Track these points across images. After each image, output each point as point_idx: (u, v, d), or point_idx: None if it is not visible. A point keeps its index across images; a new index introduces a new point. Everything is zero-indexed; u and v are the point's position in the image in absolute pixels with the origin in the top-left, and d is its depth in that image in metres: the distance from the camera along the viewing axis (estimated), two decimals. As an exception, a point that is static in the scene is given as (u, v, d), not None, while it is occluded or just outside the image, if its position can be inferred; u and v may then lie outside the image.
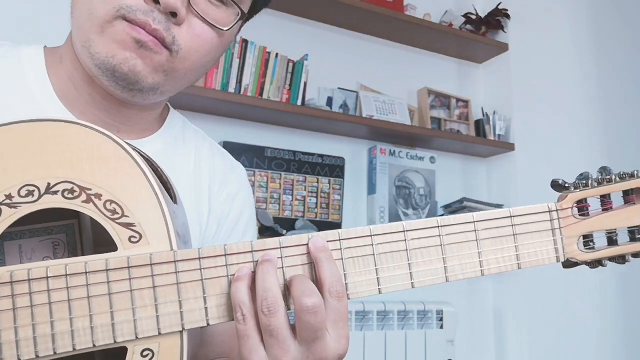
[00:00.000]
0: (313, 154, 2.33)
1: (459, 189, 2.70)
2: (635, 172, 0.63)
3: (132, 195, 0.50)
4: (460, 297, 2.57)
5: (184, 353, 0.51)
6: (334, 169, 2.36)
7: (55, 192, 0.50)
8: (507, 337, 2.58)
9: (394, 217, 2.42)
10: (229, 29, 0.69)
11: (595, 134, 2.86)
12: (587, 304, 2.66)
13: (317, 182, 2.32)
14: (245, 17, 0.72)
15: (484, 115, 2.69)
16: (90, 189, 0.50)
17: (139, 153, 0.52)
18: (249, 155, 2.18)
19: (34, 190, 0.49)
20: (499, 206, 2.58)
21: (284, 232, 2.15)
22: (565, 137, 2.76)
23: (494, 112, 2.69)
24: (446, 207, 2.59)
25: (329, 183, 2.35)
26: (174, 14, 0.63)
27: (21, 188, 0.49)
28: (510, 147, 2.63)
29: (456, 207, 2.55)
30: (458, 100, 2.74)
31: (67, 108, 0.70)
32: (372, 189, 2.45)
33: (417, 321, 2.30)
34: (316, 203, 2.31)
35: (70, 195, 0.50)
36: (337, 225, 2.32)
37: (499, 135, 2.65)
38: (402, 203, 2.46)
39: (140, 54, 0.63)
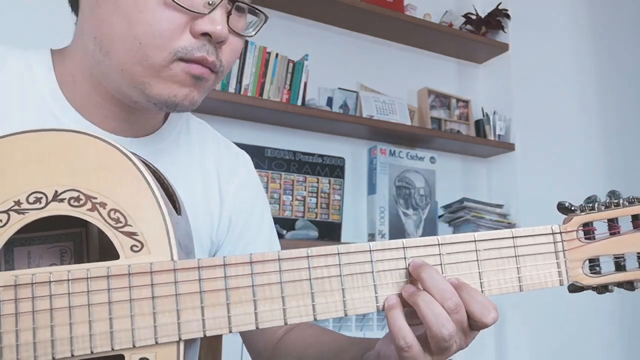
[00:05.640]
0: (313, 154, 2.33)
1: (459, 189, 2.70)
2: None
3: (136, 205, 0.51)
4: (460, 297, 2.56)
5: None
6: (334, 169, 2.36)
7: (62, 200, 0.51)
8: (507, 337, 2.58)
9: (394, 217, 2.42)
10: (256, 33, 0.72)
11: (595, 133, 2.86)
12: (587, 303, 2.66)
13: (317, 182, 2.32)
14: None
15: (484, 115, 2.69)
16: (95, 198, 0.51)
17: (144, 163, 0.53)
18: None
19: (41, 197, 0.51)
20: (499, 206, 2.59)
21: (284, 232, 2.15)
22: (565, 137, 2.76)
23: (494, 112, 2.69)
24: (446, 207, 2.59)
25: (329, 183, 2.35)
26: (221, 42, 0.66)
27: (29, 195, 0.51)
28: (510, 147, 2.64)
29: (456, 207, 2.55)
30: (458, 100, 2.74)
31: (79, 113, 0.71)
32: (372, 189, 2.45)
33: (417, 321, 2.30)
34: (316, 203, 2.31)
35: (76, 203, 0.51)
36: (337, 225, 2.32)
37: (499, 135, 2.65)
38: (402, 203, 2.46)
39: (197, 86, 0.67)
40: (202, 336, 0.52)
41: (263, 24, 0.72)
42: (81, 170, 0.52)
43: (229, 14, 0.65)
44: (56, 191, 0.51)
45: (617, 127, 2.90)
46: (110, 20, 0.63)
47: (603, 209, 0.61)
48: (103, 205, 0.51)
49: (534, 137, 2.68)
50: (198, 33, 0.63)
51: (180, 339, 0.51)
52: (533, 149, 2.66)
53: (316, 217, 2.30)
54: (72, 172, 0.51)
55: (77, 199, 0.51)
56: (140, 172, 0.52)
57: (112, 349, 0.50)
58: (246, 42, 2.14)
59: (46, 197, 0.51)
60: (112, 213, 0.51)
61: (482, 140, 2.62)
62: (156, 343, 0.50)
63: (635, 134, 2.92)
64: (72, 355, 0.49)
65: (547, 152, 2.68)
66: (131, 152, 0.52)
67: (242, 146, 2.27)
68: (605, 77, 2.93)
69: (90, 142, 0.52)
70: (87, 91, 0.70)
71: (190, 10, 0.62)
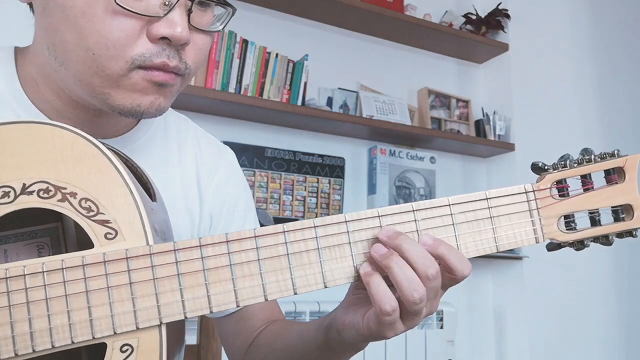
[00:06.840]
0: (313, 154, 2.34)
1: (459, 189, 2.70)
2: (616, 152, 0.62)
3: (107, 193, 0.51)
4: (460, 297, 2.57)
5: (163, 346, 0.51)
6: (334, 169, 2.37)
7: (31, 192, 0.50)
8: (507, 337, 2.58)
9: (394, 217, 2.42)
10: (223, 27, 0.68)
11: (594, 133, 2.85)
12: (587, 303, 2.66)
13: (317, 182, 2.33)
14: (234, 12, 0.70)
15: (484, 115, 2.69)
16: (65, 188, 0.50)
17: (114, 152, 0.53)
18: (249, 155, 2.19)
19: (9, 192, 0.50)
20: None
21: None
22: (565, 137, 2.75)
23: (494, 112, 2.69)
24: (446, 207, 2.59)
25: (329, 183, 2.35)
26: (183, 44, 0.62)
27: None
28: (510, 147, 2.63)
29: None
30: (458, 100, 2.74)
31: (44, 115, 0.68)
32: (372, 189, 2.46)
33: (416, 321, 2.30)
34: (316, 203, 2.31)
35: (45, 195, 0.50)
36: (336, 225, 2.32)
37: (499, 135, 2.65)
38: (402, 203, 2.46)
39: (162, 92, 0.63)
40: (183, 318, 0.52)
41: (231, 17, 0.67)
42: (48, 162, 0.51)
43: (189, 11, 0.60)
44: (24, 184, 0.50)
45: (617, 127, 2.89)
46: (61, 30, 0.59)
47: (575, 166, 0.61)
48: (73, 195, 0.50)
49: (534, 137, 2.68)
50: (155, 38, 0.59)
51: (161, 322, 0.51)
52: (533, 149, 2.65)
53: (316, 217, 2.30)
54: (39, 163, 0.51)
55: (47, 190, 0.50)
56: (108, 158, 0.51)
57: (93, 337, 0.49)
58: (246, 42, 2.15)
59: (14, 190, 0.50)
60: (83, 202, 0.50)
61: (482, 140, 2.62)
62: (137, 328, 0.50)
63: (635, 133, 2.91)
64: (53, 347, 0.49)
65: (547, 152, 2.66)
66: (99, 141, 0.52)
67: (242, 146, 2.27)
68: (604, 76, 2.92)
69: (56, 132, 0.51)
70: (49, 96, 0.67)
71: (143, 15, 0.58)
